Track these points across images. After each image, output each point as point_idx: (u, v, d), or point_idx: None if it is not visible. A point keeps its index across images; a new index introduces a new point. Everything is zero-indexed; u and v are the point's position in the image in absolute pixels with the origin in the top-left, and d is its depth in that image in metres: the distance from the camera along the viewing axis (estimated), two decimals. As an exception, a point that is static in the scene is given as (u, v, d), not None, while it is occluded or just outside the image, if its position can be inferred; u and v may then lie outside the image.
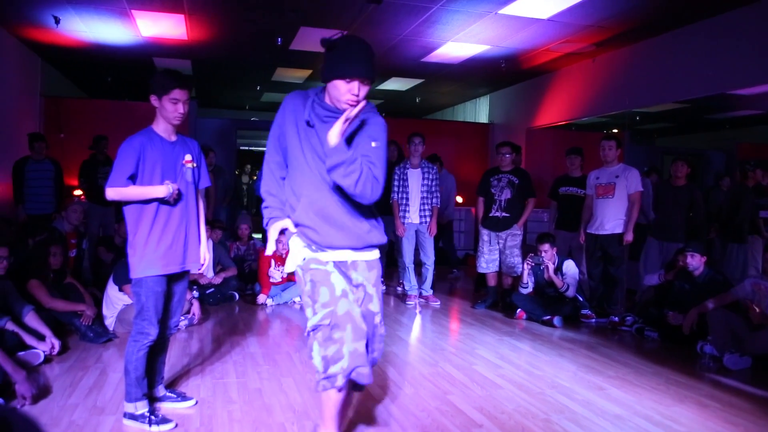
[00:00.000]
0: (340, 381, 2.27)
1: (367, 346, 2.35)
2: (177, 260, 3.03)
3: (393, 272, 7.57)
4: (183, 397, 3.33)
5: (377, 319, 2.47)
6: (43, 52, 8.65)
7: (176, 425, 3.01)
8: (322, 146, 2.30)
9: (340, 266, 2.40)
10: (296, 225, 2.40)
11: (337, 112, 2.31)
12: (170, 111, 2.96)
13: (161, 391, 3.31)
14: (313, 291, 2.33)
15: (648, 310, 5.55)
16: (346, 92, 2.25)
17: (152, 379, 3.24)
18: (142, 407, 3.02)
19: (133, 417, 3.01)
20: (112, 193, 2.89)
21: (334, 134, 2.20)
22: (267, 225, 2.45)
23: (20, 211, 6.71)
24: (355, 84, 2.24)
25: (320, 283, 2.32)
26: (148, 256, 2.94)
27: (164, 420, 3.01)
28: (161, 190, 2.91)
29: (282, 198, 2.45)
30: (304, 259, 2.38)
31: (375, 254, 2.49)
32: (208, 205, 7.13)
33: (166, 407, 3.24)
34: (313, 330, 2.32)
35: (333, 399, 2.37)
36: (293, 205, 2.40)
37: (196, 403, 3.33)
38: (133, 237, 2.96)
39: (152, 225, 2.95)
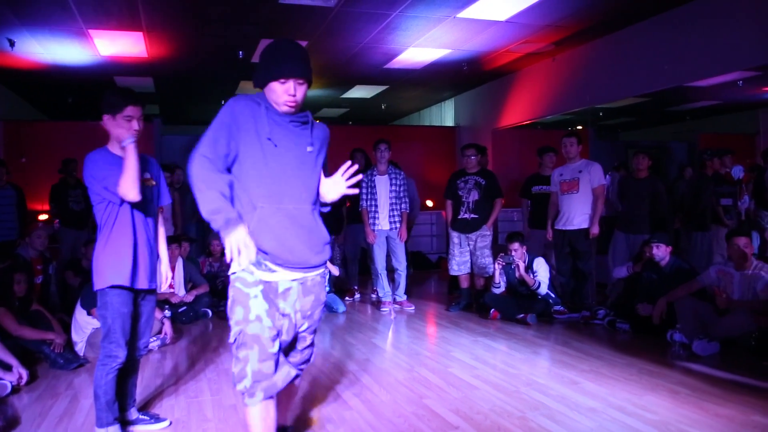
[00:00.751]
0: (248, 399, 2.28)
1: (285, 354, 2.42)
2: (138, 276, 2.98)
3: (366, 280, 7.56)
4: (156, 419, 3.28)
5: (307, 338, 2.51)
6: (-1, 76, 8.51)
7: (150, 448, 2.97)
8: (296, 154, 2.30)
9: (269, 293, 2.29)
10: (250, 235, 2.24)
11: (292, 117, 2.31)
12: (125, 129, 2.93)
13: (134, 414, 3.26)
14: (231, 307, 2.30)
15: (618, 302, 5.64)
16: (282, 94, 2.24)
17: (124, 403, 3.19)
18: (114, 432, 2.98)
19: (105, 442, 2.96)
20: (127, 192, 2.81)
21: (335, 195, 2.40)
22: (226, 227, 2.15)
23: (-18, 240, 6.56)
24: (291, 84, 2.23)
25: (238, 302, 2.28)
26: (108, 267, 2.90)
27: (137, 443, 2.97)
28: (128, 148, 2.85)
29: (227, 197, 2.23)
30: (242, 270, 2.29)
31: (320, 271, 2.44)
32: (174, 222, 7.06)
33: (139, 430, 3.19)
34: (242, 345, 2.28)
35: (253, 414, 2.32)
36: (247, 215, 2.26)
37: (171, 423, 3.29)
38: (99, 249, 2.93)
39: (113, 238, 2.92)
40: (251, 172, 2.27)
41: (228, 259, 2.17)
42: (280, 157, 2.28)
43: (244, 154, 2.27)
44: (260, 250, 2.25)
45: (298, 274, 2.33)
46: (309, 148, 2.35)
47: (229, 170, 2.29)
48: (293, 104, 2.26)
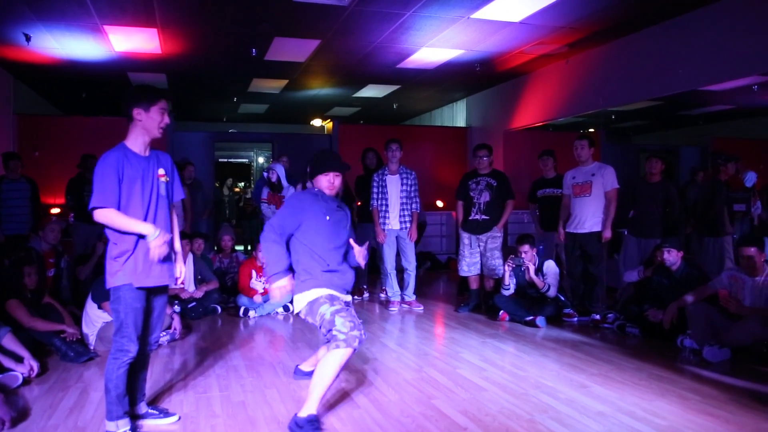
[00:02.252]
0: (357, 343, 3.09)
1: None
2: (153, 273, 3.00)
3: (375, 279, 7.56)
4: (165, 414, 3.30)
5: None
6: (14, 70, 8.57)
7: (159, 442, 2.98)
8: (338, 224, 3.41)
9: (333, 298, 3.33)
10: (329, 271, 3.33)
11: (335, 200, 3.48)
12: (158, 121, 2.98)
13: (143, 408, 3.28)
14: (331, 300, 3.25)
15: (629, 306, 5.61)
16: (326, 182, 3.39)
17: (134, 397, 3.21)
18: (123, 425, 2.99)
19: (114, 436, 2.97)
20: (100, 216, 2.86)
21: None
22: (272, 276, 3.29)
23: (-3, 232, 6.61)
24: (331, 175, 3.38)
25: (318, 305, 3.24)
26: (125, 266, 2.92)
27: (146, 437, 2.98)
28: (149, 229, 2.90)
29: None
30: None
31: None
32: (184, 218, 7.09)
33: (148, 424, 3.22)
34: (336, 312, 3.15)
35: (344, 357, 3.06)
36: (322, 259, 3.32)
37: (179, 418, 3.31)
38: (113, 248, 2.95)
39: (125, 236, 2.93)
40: (315, 237, 3.33)
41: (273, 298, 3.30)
42: (331, 227, 3.38)
43: (308, 225, 3.32)
44: (334, 284, 3.37)
45: (342, 295, 3.42)
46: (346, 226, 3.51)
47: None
48: (333, 189, 3.42)
